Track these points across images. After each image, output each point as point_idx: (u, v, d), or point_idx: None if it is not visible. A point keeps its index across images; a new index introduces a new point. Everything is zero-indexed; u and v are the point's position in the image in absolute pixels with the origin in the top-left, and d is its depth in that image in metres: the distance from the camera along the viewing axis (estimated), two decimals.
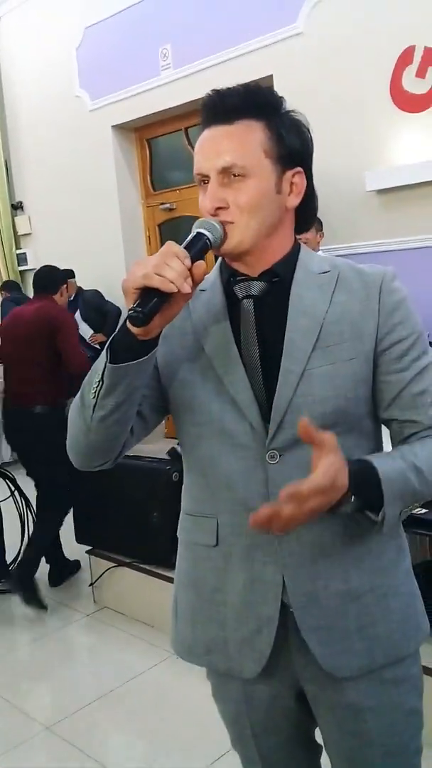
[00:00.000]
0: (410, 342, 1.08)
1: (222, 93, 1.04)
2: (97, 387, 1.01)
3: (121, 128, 6.17)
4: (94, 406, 1.02)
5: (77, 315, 5.96)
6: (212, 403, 1.09)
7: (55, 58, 6.48)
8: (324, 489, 0.91)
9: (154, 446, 3.52)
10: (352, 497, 0.97)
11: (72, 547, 3.59)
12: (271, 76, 4.77)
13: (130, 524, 3.20)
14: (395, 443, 1.12)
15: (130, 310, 0.95)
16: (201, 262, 0.99)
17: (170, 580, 2.97)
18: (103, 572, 3.32)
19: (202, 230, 1.02)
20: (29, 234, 7.32)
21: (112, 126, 6.14)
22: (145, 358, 0.99)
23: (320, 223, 4.25)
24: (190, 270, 0.96)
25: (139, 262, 0.95)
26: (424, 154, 4.12)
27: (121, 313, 5.86)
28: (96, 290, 5.99)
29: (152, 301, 0.94)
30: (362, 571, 1.09)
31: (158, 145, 6.26)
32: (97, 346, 5.89)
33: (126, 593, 3.26)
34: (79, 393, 1.07)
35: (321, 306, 1.07)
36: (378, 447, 1.15)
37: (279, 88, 3.91)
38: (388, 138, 4.31)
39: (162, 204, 6.22)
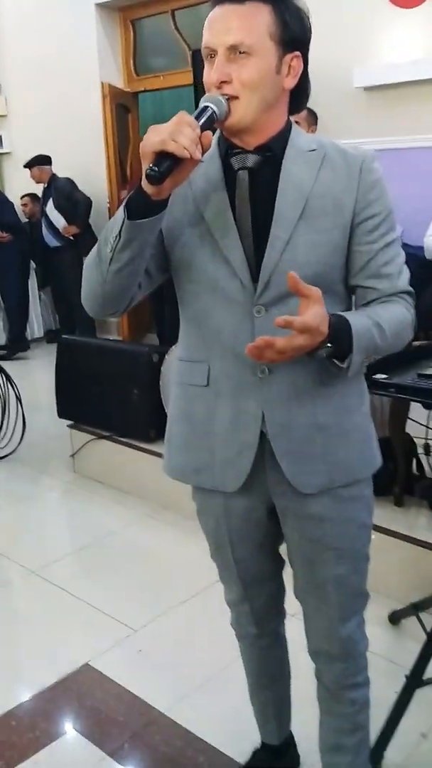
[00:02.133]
0: (381, 218, 1.23)
1: None
2: (114, 242, 1.14)
3: (104, 7, 5.95)
4: (111, 260, 1.16)
5: (49, 204, 5.91)
6: (208, 263, 1.24)
7: None
8: (311, 329, 1.06)
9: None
10: (329, 344, 1.13)
11: (52, 422, 3.79)
12: None
13: (111, 401, 3.39)
14: (357, 306, 1.29)
15: (147, 169, 1.06)
16: (208, 132, 1.10)
17: (146, 451, 3.24)
18: (83, 444, 3.54)
19: (209, 104, 1.13)
20: (4, 116, 7.10)
21: (96, 4, 5.91)
22: (158, 215, 1.13)
23: (314, 116, 4.25)
24: (199, 138, 1.08)
25: (155, 128, 1.06)
26: (413, 53, 4.12)
27: (91, 203, 5.84)
28: (68, 178, 5.88)
29: (166, 163, 1.06)
30: (329, 408, 1.29)
31: (143, 28, 6.05)
32: (71, 238, 5.87)
33: (104, 464, 3.50)
34: (95, 250, 1.20)
35: (308, 181, 1.21)
36: (348, 308, 1.31)
37: None
38: (380, 34, 4.29)
39: (145, 90, 6.09)
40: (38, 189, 6.22)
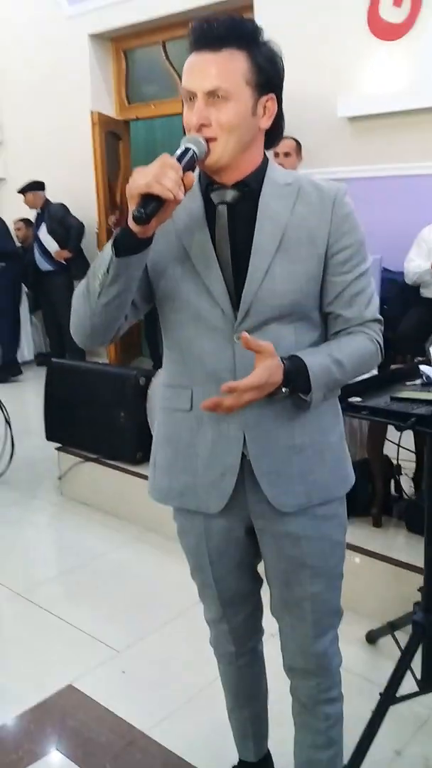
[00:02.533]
0: (354, 249, 1.30)
1: (210, 22, 1.20)
2: (103, 278, 1.21)
3: (98, 38, 6.10)
4: (99, 294, 1.22)
5: (42, 228, 6.00)
6: (191, 293, 1.30)
7: None
8: (257, 386, 1.16)
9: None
10: (284, 389, 1.22)
11: (39, 444, 3.82)
12: None
13: (98, 424, 3.44)
14: (330, 334, 1.36)
15: (134, 211, 1.13)
16: (189, 172, 1.17)
17: (133, 473, 3.27)
18: (71, 467, 3.57)
19: (190, 145, 1.19)
20: (0, 143, 7.21)
21: (89, 35, 6.06)
22: (144, 252, 1.20)
23: (299, 147, 4.37)
24: (182, 179, 1.14)
25: (141, 171, 1.13)
26: (396, 84, 4.24)
27: (84, 228, 5.94)
28: (62, 204, 5.99)
29: (152, 204, 1.13)
30: (306, 429, 1.34)
31: (135, 58, 6.20)
32: (63, 262, 5.96)
33: (91, 486, 3.53)
34: (83, 283, 1.26)
35: (284, 214, 1.28)
36: (323, 333, 1.37)
37: (259, 8, 4.06)
38: (362, 66, 4.41)
39: (136, 119, 6.21)
40: (31, 214, 6.31)
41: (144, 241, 1.18)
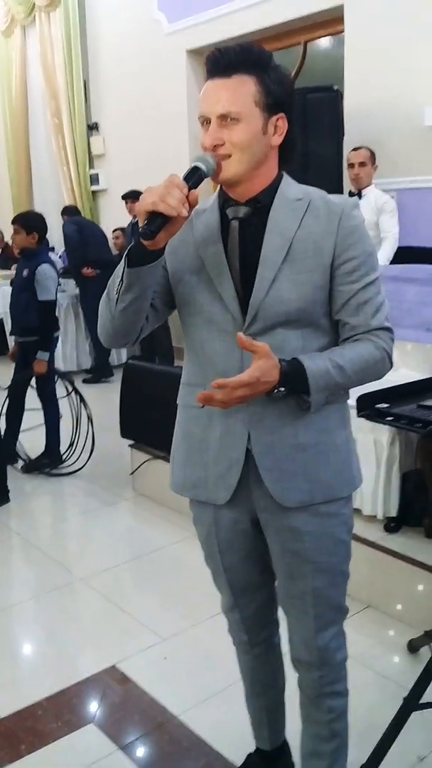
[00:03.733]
0: (360, 260, 1.34)
1: (222, 51, 1.29)
2: (118, 286, 1.33)
3: (195, 53, 6.29)
4: (117, 300, 1.35)
5: None
6: (205, 299, 1.40)
7: None
8: (247, 383, 1.22)
9: None
10: (280, 389, 1.28)
11: (116, 441, 4.02)
12: (341, 5, 4.81)
13: (167, 423, 3.55)
14: (340, 341, 1.41)
15: (140, 227, 1.24)
16: (194, 191, 1.26)
17: None
18: (142, 463, 3.73)
19: (198, 164, 1.30)
20: (102, 155, 7.58)
21: (187, 50, 6.27)
22: (153, 264, 1.30)
23: (374, 157, 4.36)
24: (187, 197, 1.24)
25: (149, 190, 1.24)
26: None
27: None
28: None
29: (157, 221, 1.24)
30: (310, 430, 1.39)
31: None
32: None
33: (159, 483, 3.66)
34: (105, 291, 1.39)
35: (292, 227, 1.34)
36: (333, 340, 1.42)
37: (348, 18, 4.16)
38: None
39: None
40: (124, 224, 6.60)
41: (154, 253, 1.28)
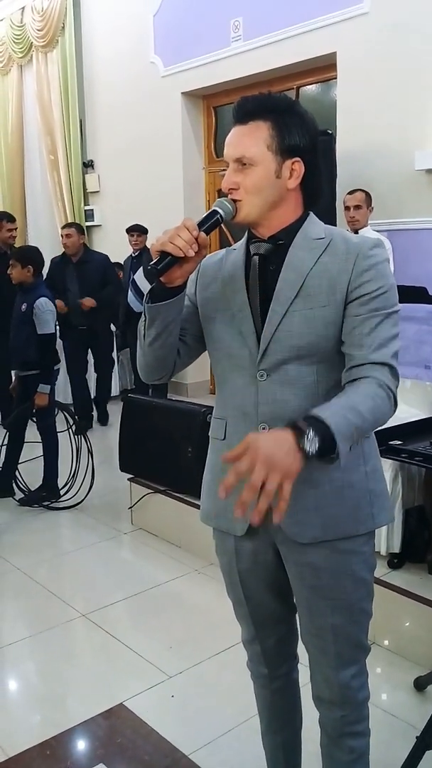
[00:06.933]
0: (374, 295, 1.35)
1: (244, 99, 1.37)
2: (144, 321, 1.40)
3: (190, 95, 6.45)
4: (144, 335, 1.42)
5: (139, 271, 6.28)
6: (227, 334, 1.45)
7: (133, 23, 6.77)
8: (244, 449, 1.15)
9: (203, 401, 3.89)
10: (310, 429, 1.16)
11: (115, 475, 4.03)
12: (334, 53, 4.97)
13: (168, 458, 3.60)
14: (344, 371, 1.37)
15: (148, 266, 1.31)
16: (203, 233, 1.32)
17: (198, 507, 3.38)
18: (141, 497, 3.74)
19: (216, 208, 1.37)
20: (97, 192, 7.69)
21: (182, 92, 6.42)
22: (172, 300, 1.36)
23: (370, 199, 4.48)
24: (196, 239, 1.31)
25: (165, 231, 1.31)
26: None
27: None
28: None
29: (165, 260, 1.31)
30: (324, 467, 1.40)
31: (224, 114, 6.51)
32: None
33: (159, 517, 3.68)
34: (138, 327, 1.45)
35: (308, 264, 1.39)
36: None
37: (341, 65, 4.32)
38: None
39: (223, 170, 6.48)
40: (120, 259, 6.67)
41: (172, 290, 1.35)
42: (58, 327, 5.83)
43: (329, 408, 1.24)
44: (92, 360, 6.30)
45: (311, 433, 1.17)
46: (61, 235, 5.85)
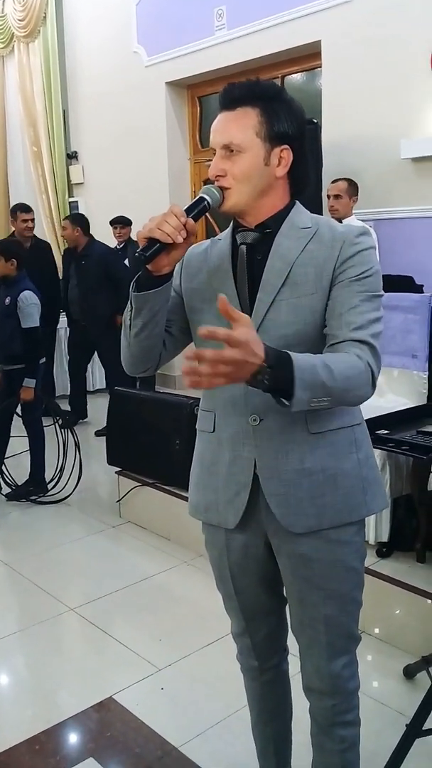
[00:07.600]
0: (359, 278, 1.33)
1: (230, 85, 1.35)
2: (130, 311, 1.37)
3: (174, 85, 6.40)
4: (130, 326, 1.39)
5: (126, 262, 6.26)
6: (214, 323, 1.40)
7: (115, 13, 6.70)
8: (237, 341, 1.08)
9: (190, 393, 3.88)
10: (268, 367, 1.13)
11: (106, 468, 4.00)
12: (319, 41, 4.95)
13: (156, 450, 3.58)
14: (324, 349, 1.34)
15: (136, 252, 1.29)
16: (191, 219, 1.30)
17: (186, 499, 3.37)
18: (129, 490, 3.73)
19: (203, 195, 1.35)
20: (81, 183, 7.63)
21: (166, 82, 6.37)
22: (159, 288, 1.33)
23: (355, 188, 4.46)
24: (185, 225, 1.28)
25: (152, 218, 1.28)
26: None
27: None
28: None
29: (153, 247, 1.28)
30: (316, 456, 1.40)
31: (208, 103, 6.47)
32: None
33: (147, 510, 3.66)
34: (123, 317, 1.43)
35: (294, 252, 1.37)
36: None
37: (325, 54, 4.29)
38: (426, 108, 4.47)
39: (208, 160, 6.46)
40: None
41: (159, 278, 1.32)
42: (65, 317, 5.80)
43: (304, 356, 1.20)
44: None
45: (269, 370, 1.14)
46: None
